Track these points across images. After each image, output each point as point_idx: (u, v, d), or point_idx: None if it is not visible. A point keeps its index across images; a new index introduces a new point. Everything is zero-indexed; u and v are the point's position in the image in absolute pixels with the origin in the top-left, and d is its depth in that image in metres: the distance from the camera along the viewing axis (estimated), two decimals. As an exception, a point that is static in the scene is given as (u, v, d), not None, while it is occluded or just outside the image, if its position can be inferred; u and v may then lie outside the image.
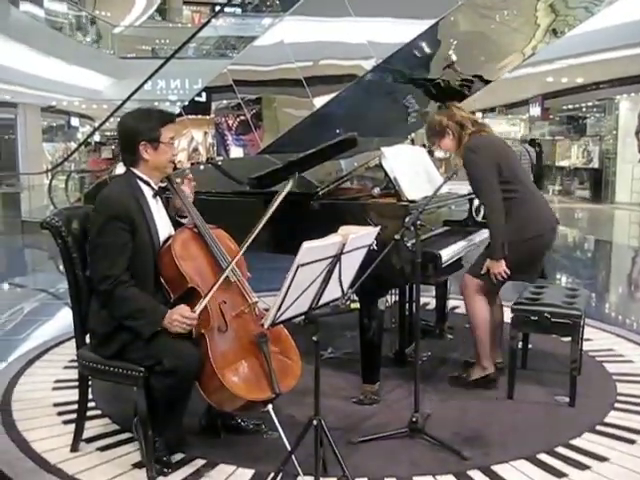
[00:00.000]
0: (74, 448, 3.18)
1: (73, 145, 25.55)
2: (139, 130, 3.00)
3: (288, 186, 3.29)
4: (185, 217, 3.21)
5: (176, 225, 3.19)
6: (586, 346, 4.50)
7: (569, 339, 3.74)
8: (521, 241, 3.76)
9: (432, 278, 3.67)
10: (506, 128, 27.26)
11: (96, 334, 3.03)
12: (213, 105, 6.45)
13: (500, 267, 3.74)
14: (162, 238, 3.03)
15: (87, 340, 3.16)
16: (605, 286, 7.84)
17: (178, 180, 3.19)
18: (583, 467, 3.04)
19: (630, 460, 3.10)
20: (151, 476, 2.89)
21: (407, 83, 5.84)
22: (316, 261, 2.42)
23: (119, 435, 3.34)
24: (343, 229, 2.65)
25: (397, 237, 3.12)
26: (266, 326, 2.51)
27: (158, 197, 3.10)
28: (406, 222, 3.32)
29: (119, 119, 3.17)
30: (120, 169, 3.14)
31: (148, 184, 3.05)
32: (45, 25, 18.51)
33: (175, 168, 3.22)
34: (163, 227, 3.06)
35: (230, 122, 6.31)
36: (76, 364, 3.19)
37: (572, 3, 5.63)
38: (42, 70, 17.69)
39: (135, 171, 3.05)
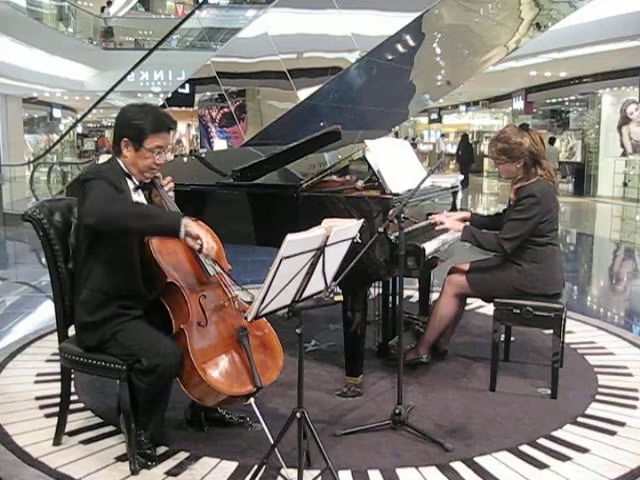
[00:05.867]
0: (57, 442, 3.16)
1: (55, 137, 25.32)
2: (128, 125, 2.94)
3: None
4: None
5: None
6: (568, 338, 4.54)
7: (551, 332, 3.77)
8: (536, 293, 3.76)
9: (415, 271, 3.68)
10: (490, 121, 27.46)
11: (79, 323, 2.99)
12: (197, 97, 6.43)
13: (453, 227, 3.94)
14: None
15: (69, 333, 3.14)
16: (587, 279, 7.91)
17: (159, 175, 3.10)
18: (564, 458, 3.06)
19: (611, 451, 3.13)
20: (134, 469, 2.88)
21: (390, 76, 5.86)
22: (300, 254, 2.42)
23: (102, 428, 3.33)
24: (327, 222, 2.65)
25: (380, 230, 3.13)
26: (249, 319, 2.50)
27: (140, 190, 3.06)
28: (389, 215, 3.32)
29: (122, 107, 3.06)
30: (103, 160, 3.06)
31: (130, 177, 3.02)
32: (27, 15, 18.26)
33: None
34: None
35: (214, 114, 6.30)
36: (58, 357, 3.17)
37: (556, -3, 5.67)
38: (23, 60, 17.48)
39: (119, 161, 3.01)
